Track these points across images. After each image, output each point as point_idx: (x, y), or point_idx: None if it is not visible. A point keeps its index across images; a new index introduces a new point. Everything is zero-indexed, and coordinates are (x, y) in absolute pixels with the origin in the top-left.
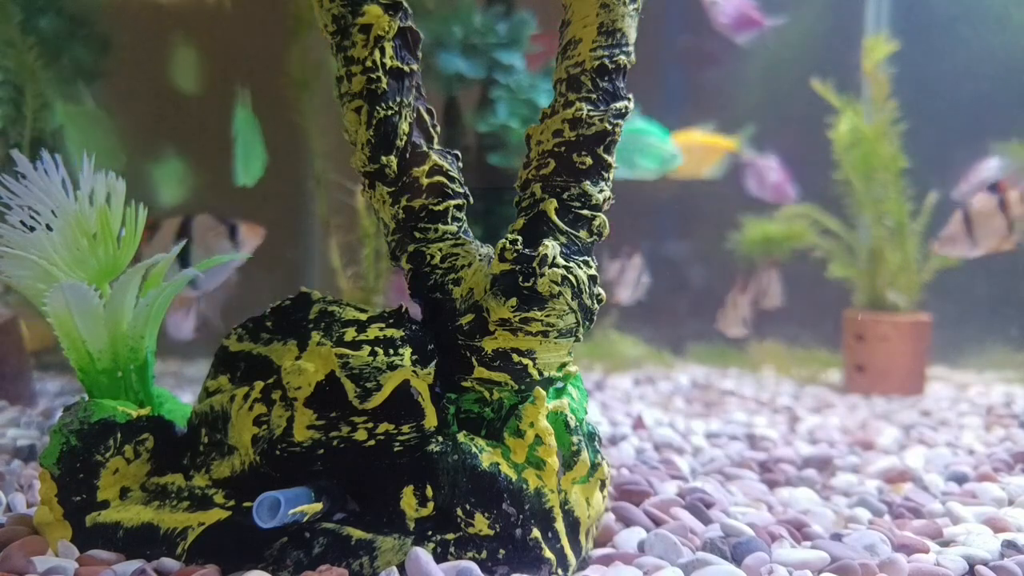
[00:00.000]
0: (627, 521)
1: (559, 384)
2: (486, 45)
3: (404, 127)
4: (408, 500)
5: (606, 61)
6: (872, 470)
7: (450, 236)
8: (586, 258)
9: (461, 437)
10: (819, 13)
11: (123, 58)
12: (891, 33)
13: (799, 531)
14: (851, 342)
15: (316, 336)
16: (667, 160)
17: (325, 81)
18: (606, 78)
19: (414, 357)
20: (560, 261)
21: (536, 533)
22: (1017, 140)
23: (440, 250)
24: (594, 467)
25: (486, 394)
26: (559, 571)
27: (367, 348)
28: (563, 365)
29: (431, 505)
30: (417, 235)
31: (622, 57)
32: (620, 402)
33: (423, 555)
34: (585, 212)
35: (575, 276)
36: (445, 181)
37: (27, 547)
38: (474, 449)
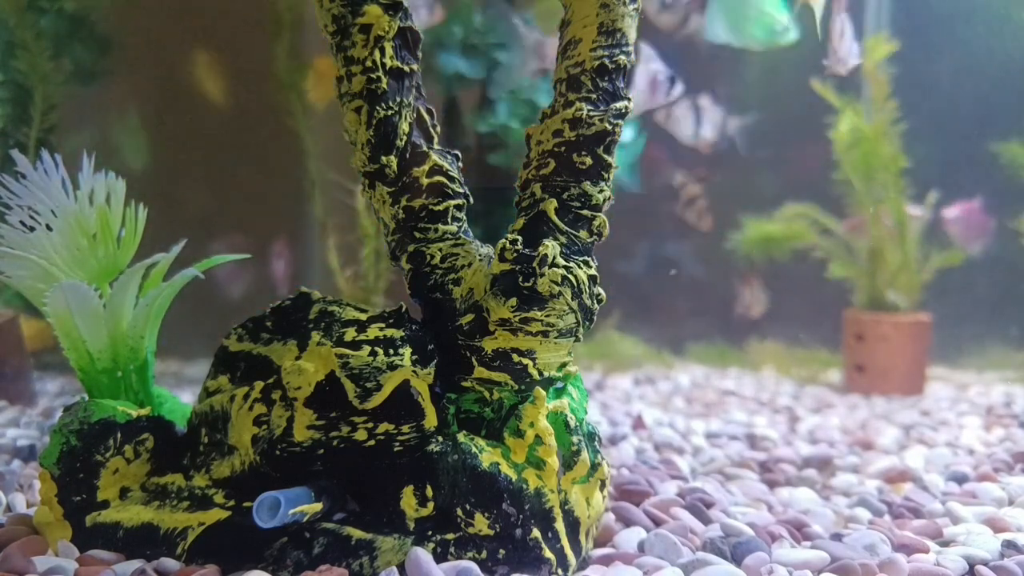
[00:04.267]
0: (627, 521)
1: (559, 384)
2: (486, 45)
3: (404, 127)
4: (408, 500)
5: (606, 61)
6: (872, 470)
7: (450, 236)
8: (586, 258)
9: (461, 437)
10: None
11: (128, 58)
12: (891, 33)
13: (799, 531)
14: (851, 342)
15: (316, 336)
16: (779, 32)
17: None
18: (606, 78)
19: (414, 357)
20: (560, 261)
21: (536, 533)
22: (1017, 140)
23: (440, 250)
24: (594, 467)
25: (486, 394)
26: (559, 571)
27: (367, 348)
28: (563, 365)
29: (431, 505)
30: (417, 235)
31: (622, 57)
32: (620, 402)
33: (423, 555)
34: (585, 212)
35: (575, 276)
36: (445, 181)
37: (27, 547)
38: (474, 449)
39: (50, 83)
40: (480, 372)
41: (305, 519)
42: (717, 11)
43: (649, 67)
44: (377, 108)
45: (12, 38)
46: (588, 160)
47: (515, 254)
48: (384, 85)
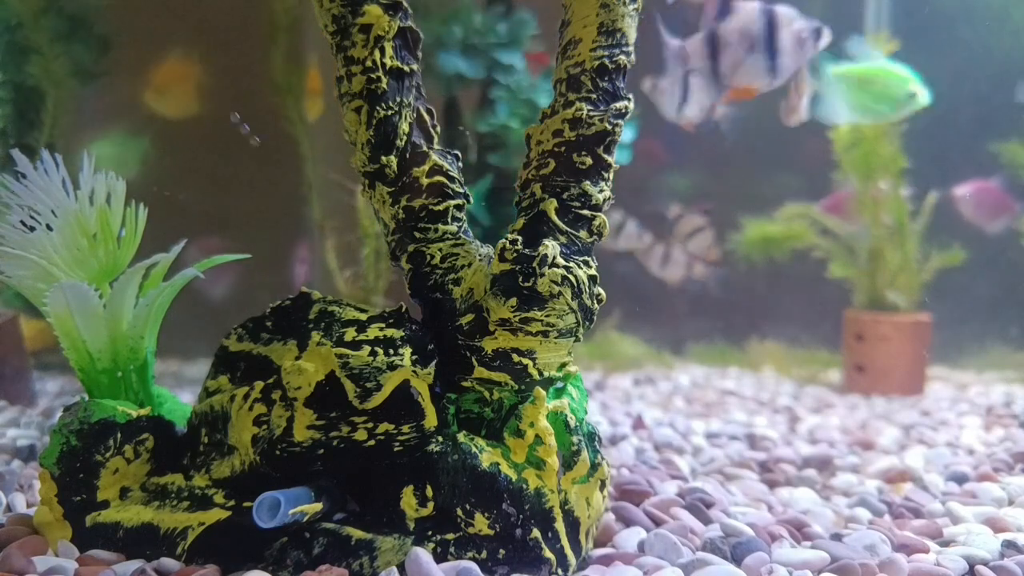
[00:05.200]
0: (627, 521)
1: (559, 384)
2: (486, 45)
3: (404, 127)
4: (408, 500)
5: (606, 61)
6: (872, 470)
7: (450, 236)
8: (586, 258)
9: (461, 437)
10: (819, 13)
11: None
12: (891, 33)
13: (799, 531)
14: (851, 342)
15: (316, 336)
16: (909, 99)
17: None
18: (606, 78)
19: (414, 357)
20: (560, 261)
21: (536, 533)
22: (1017, 140)
23: (440, 250)
24: (594, 467)
25: (486, 394)
26: (559, 571)
27: (367, 348)
28: (563, 365)
29: (431, 505)
30: (417, 235)
31: (622, 57)
32: (620, 402)
33: (423, 555)
34: (585, 212)
35: (575, 276)
36: (445, 181)
37: (27, 547)
38: (474, 449)
39: (63, 87)
40: (480, 372)
41: (305, 519)
42: (836, 94)
43: (792, 27)
44: (377, 108)
45: (19, 40)
46: (588, 160)
47: (515, 254)
48: (384, 85)
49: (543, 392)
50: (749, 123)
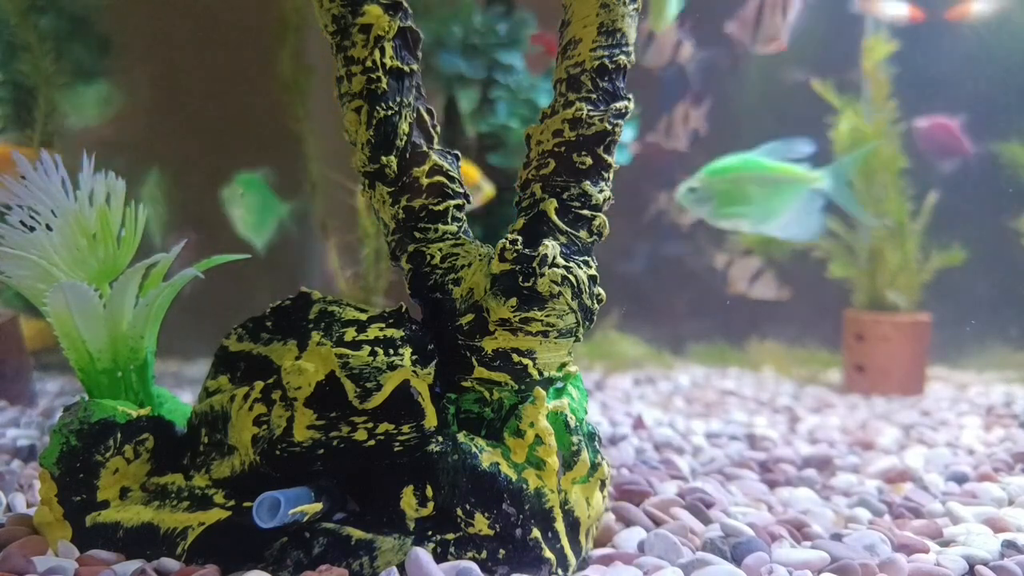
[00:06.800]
0: (627, 521)
1: (559, 384)
2: (486, 45)
3: (404, 127)
4: (408, 500)
5: (606, 61)
6: (872, 470)
7: (450, 236)
8: (586, 258)
9: (461, 437)
10: (819, 14)
11: (127, 55)
12: (891, 33)
13: (799, 531)
14: (851, 342)
15: (316, 336)
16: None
17: (318, 84)
18: (606, 78)
19: (414, 357)
20: (560, 261)
21: (536, 533)
22: (1017, 140)
23: (440, 250)
24: (594, 467)
25: (486, 394)
26: (559, 571)
27: (367, 348)
28: (563, 365)
29: (431, 505)
30: (417, 235)
31: (622, 57)
32: (620, 402)
33: (423, 555)
34: (585, 212)
35: (575, 276)
36: (445, 181)
37: (27, 547)
38: (474, 449)
39: (52, 85)
40: (480, 372)
41: (305, 519)
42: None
43: None
44: (377, 108)
45: (13, 39)
46: (588, 160)
47: (515, 254)
48: (384, 85)
49: (543, 392)
50: (748, 123)
